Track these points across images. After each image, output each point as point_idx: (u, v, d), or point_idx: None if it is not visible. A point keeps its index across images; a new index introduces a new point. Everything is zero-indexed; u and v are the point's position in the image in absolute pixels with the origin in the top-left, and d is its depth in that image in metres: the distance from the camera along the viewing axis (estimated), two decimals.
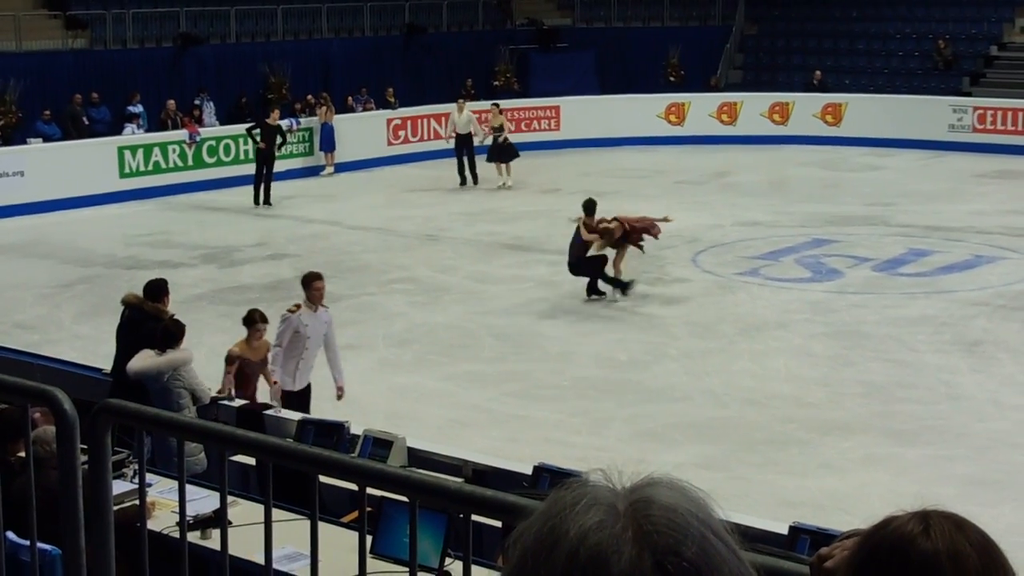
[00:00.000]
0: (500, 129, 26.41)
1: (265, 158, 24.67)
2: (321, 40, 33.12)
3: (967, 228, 20.85)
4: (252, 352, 11.01)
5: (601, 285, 16.67)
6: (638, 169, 27.51)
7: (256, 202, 24.64)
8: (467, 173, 26.53)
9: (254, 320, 11.00)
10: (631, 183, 25.62)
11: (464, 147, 26.54)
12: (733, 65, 35.72)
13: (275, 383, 11.03)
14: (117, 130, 27.26)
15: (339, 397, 11.53)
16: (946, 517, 1.68)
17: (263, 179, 24.70)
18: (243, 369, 10.94)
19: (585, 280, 16.69)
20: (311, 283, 11.29)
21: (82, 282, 18.41)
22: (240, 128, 27.31)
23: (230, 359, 10.91)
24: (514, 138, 28.53)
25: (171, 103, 28.03)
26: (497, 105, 27.42)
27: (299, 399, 11.14)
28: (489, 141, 26.60)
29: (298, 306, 11.30)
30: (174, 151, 26.26)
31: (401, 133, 30.12)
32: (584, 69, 35.19)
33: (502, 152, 26.19)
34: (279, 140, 25.14)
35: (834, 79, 32.70)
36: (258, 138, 24.77)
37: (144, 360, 9.95)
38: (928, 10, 34.49)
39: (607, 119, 31.53)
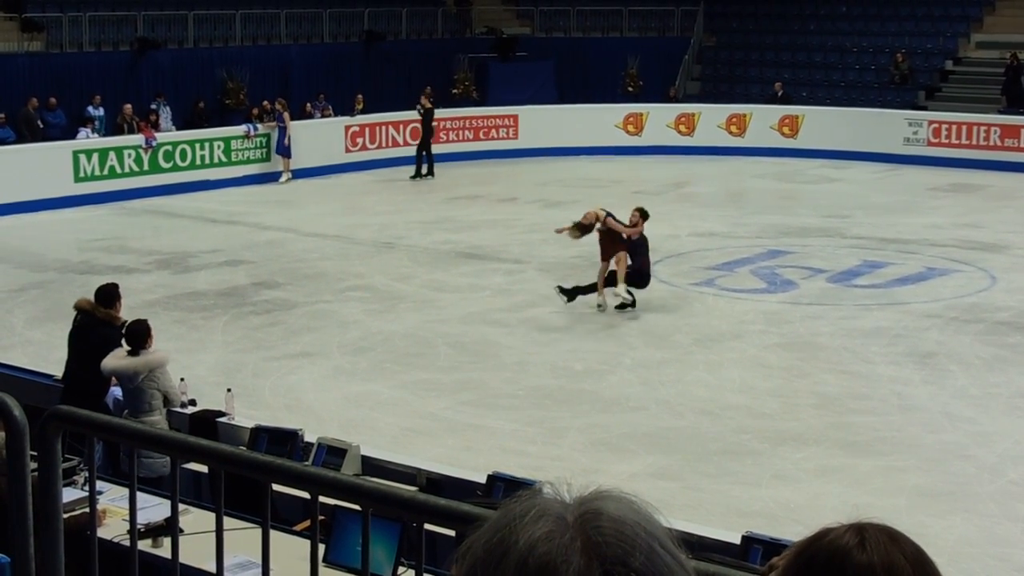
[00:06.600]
0: None
1: None
2: (280, 46, 33.03)
3: (921, 241, 21.00)
4: None
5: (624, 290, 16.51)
6: (596, 179, 27.56)
7: None
8: None
9: None
10: (589, 193, 25.63)
11: None
12: (691, 76, 35.89)
13: None
14: (72, 134, 27.09)
15: None
16: (881, 530, 1.69)
17: None
18: None
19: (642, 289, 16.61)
20: None
21: (35, 287, 18.25)
22: (196, 133, 27.27)
23: None
24: (472, 146, 28.51)
25: (127, 107, 27.86)
26: None
27: None
28: None
29: None
30: (130, 156, 26.08)
31: (359, 140, 30.05)
32: (543, 78, 35.26)
33: None
34: None
35: (791, 91, 32.90)
36: None
37: (120, 360, 9.87)
38: (885, 24, 34.80)
39: (565, 128, 31.60)
